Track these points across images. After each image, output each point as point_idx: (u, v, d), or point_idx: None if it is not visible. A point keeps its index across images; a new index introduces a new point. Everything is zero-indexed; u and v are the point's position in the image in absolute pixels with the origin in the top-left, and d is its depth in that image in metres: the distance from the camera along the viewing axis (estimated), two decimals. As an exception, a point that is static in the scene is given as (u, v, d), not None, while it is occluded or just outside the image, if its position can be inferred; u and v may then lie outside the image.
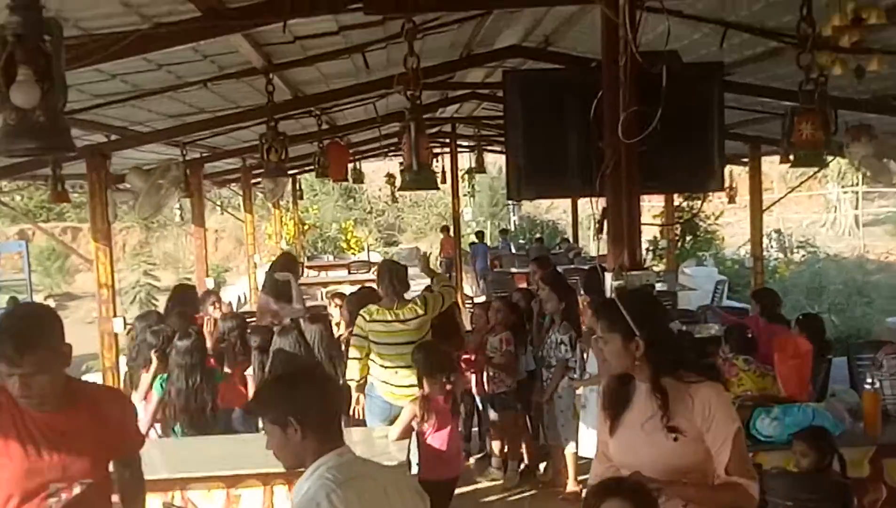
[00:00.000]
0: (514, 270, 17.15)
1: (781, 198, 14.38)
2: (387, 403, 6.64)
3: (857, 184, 29.28)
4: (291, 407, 2.77)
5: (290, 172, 16.12)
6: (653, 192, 4.72)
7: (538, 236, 25.80)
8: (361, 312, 6.79)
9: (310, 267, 20.12)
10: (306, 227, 26.41)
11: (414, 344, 6.46)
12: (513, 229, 30.52)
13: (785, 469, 5.17)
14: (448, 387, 6.00)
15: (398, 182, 19.40)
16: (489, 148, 18.91)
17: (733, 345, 6.87)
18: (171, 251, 35.42)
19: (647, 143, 4.07)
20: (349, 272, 19.18)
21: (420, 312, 6.73)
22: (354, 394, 6.77)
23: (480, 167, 15.83)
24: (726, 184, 14.64)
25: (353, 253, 26.25)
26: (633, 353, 3.22)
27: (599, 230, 4.32)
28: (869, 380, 5.91)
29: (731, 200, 14.37)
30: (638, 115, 4.08)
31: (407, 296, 6.94)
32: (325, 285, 16.55)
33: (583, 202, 22.91)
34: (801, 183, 15.83)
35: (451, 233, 18.18)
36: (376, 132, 13.53)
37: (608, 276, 4.23)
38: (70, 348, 3.24)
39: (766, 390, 6.56)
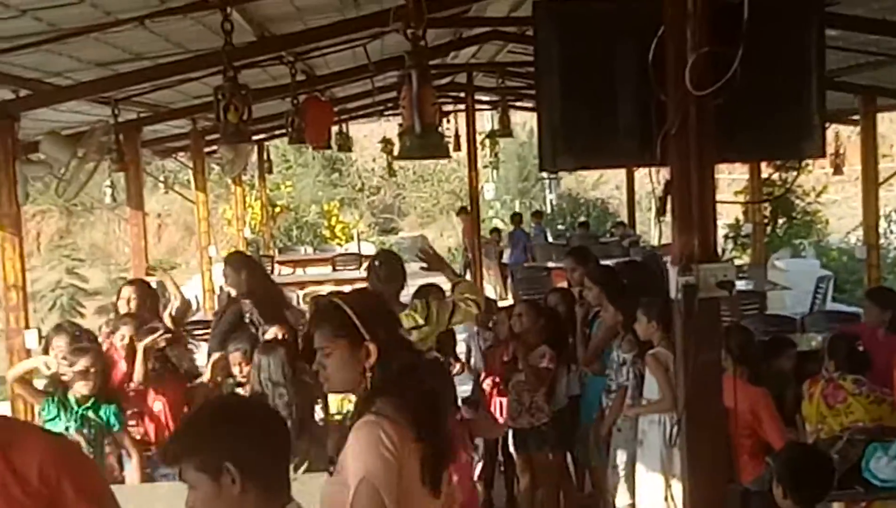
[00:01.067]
0: (550, 264, 17.17)
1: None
2: None
3: None
4: (228, 450, 2.70)
5: (256, 137, 16.20)
6: (732, 160, 4.71)
7: (582, 219, 25.84)
8: None
9: (282, 262, 20.20)
10: (277, 210, 26.51)
11: None
12: (549, 210, 30.53)
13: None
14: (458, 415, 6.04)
15: (397, 149, 19.29)
16: (517, 104, 18.94)
17: (839, 362, 6.88)
18: (100, 243, 35.60)
19: (724, 95, 4.05)
20: (334, 269, 19.28)
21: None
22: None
23: (506, 129, 15.78)
24: (829, 149, 14.70)
25: (338, 244, 26.30)
26: (362, 363, 3.40)
27: (661, 211, 4.33)
28: None
29: (838, 170, 14.36)
30: (712, 58, 4.07)
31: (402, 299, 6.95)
32: (301, 285, 16.59)
33: (641, 175, 22.96)
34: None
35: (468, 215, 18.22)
36: (368, 84, 13.55)
37: (673, 271, 4.24)
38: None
39: (881, 420, 6.58)
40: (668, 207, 4.36)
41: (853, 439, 6.09)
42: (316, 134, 10.77)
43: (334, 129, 15.09)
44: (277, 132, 17.54)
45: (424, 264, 6.94)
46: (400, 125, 13.71)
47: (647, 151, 4.28)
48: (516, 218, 22.45)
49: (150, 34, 6.75)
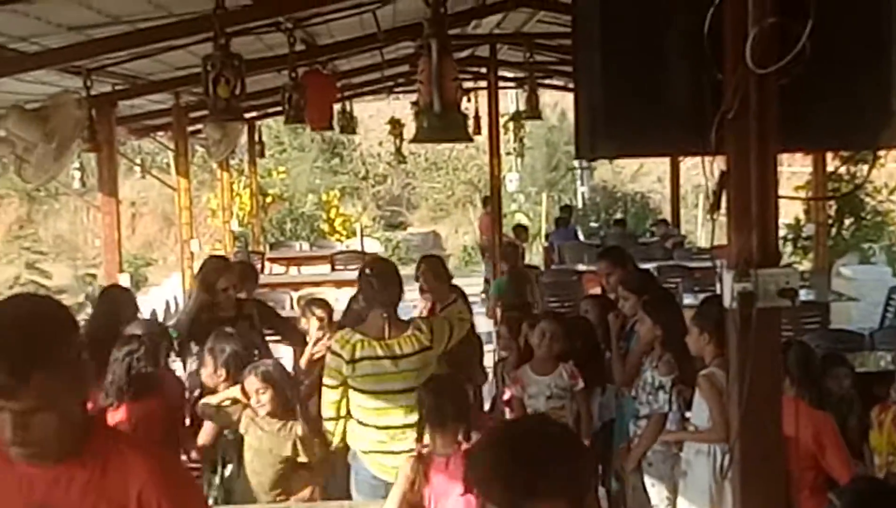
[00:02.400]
0: (581, 267, 17.17)
1: None
2: (378, 480, 6.63)
3: None
4: None
5: (248, 114, 16.21)
6: (798, 149, 4.68)
7: (618, 216, 25.84)
8: (334, 340, 6.79)
9: (274, 260, 20.23)
10: (269, 200, 26.53)
11: (414, 392, 6.37)
12: (580, 204, 30.54)
13: None
14: (461, 445, 6.01)
15: (409, 131, 19.23)
16: (546, 82, 18.93)
17: (914, 384, 6.87)
18: (65, 234, 35.70)
19: (790, 74, 4.03)
20: (333, 268, 19.28)
21: (425, 342, 6.68)
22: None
23: (534, 111, 15.80)
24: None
25: (338, 239, 26.32)
26: None
27: (715, 207, 4.30)
28: None
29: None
30: (776, 32, 4.05)
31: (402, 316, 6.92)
32: (296, 286, 16.62)
33: (688, 166, 22.96)
34: None
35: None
36: (375, 57, 13.57)
37: (728, 276, 4.22)
38: (90, 368, 3.29)
39: (961, 455, 6.57)
40: (722, 202, 4.33)
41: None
42: (317, 113, 10.82)
43: (336, 107, 15.08)
44: (271, 110, 17.58)
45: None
46: (413, 104, 13.87)
47: (699, 137, 4.24)
48: (566, 211, 22.42)
49: (130, -6, 6.78)
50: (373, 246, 23.78)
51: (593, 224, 27.17)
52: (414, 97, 18.35)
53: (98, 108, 10.12)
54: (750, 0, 4.08)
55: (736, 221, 4.26)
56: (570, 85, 19.70)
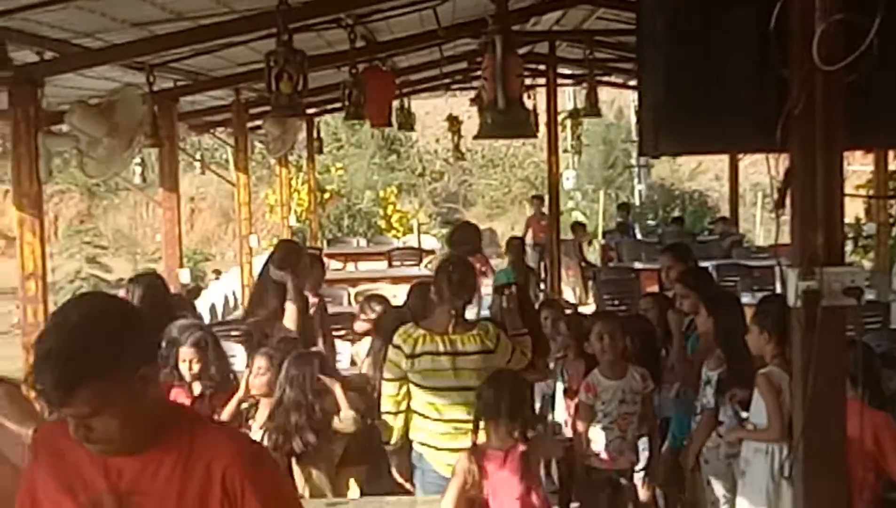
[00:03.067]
0: (638, 265, 17.11)
1: None
2: (444, 479, 6.47)
3: None
4: None
5: (309, 110, 16.25)
6: (864, 147, 4.64)
7: (676, 214, 25.71)
8: (397, 334, 6.72)
9: (331, 256, 20.28)
10: (327, 196, 26.63)
11: (475, 391, 6.31)
12: (637, 202, 30.43)
13: None
14: (518, 441, 5.97)
15: (467, 128, 19.20)
16: (605, 80, 18.85)
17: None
18: (124, 229, 36.01)
19: (857, 71, 3.99)
20: (390, 265, 19.32)
21: (489, 345, 6.58)
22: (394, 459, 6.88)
23: (593, 108, 15.72)
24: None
25: (395, 236, 26.35)
26: None
27: (780, 204, 4.27)
28: None
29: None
30: (844, 28, 4.01)
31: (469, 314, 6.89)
32: (353, 282, 16.65)
33: (745, 164, 22.80)
34: None
35: (546, 207, 18.13)
36: (433, 54, 13.58)
37: (792, 274, 4.18)
38: (155, 371, 3.31)
39: None
40: (787, 199, 4.30)
41: None
42: (377, 109, 10.85)
43: (395, 104, 15.10)
44: (330, 107, 17.63)
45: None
46: (473, 100, 13.84)
47: (764, 134, 4.20)
48: (623, 209, 22.32)
49: (193, -10, 6.83)
50: (430, 243, 23.77)
51: (651, 222, 27.05)
52: (472, 94, 18.41)
53: (160, 103, 10.20)
54: (818, -5, 4.05)
55: (801, 218, 4.23)
56: (629, 82, 19.73)
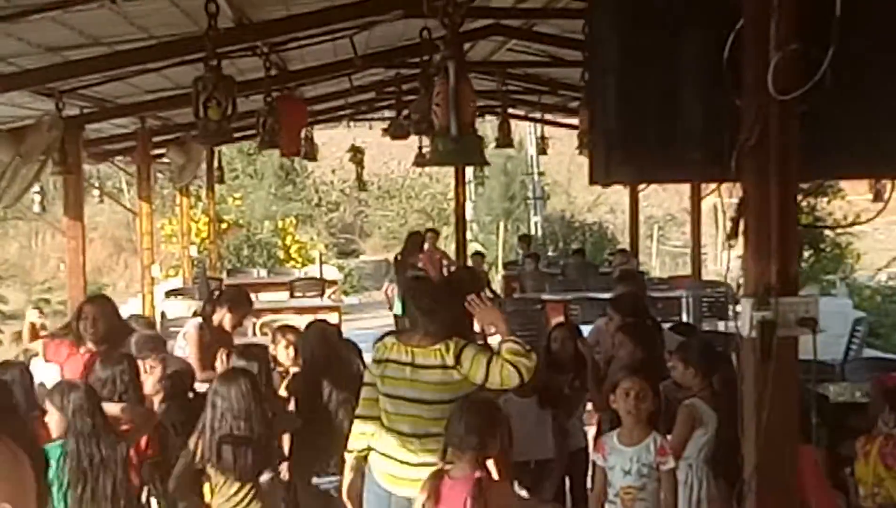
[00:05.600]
0: (545, 296, 17.08)
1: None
2: (384, 491, 6.51)
3: None
4: None
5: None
6: (818, 177, 4.64)
7: (577, 246, 25.82)
8: (379, 346, 6.72)
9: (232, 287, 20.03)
10: (225, 226, 26.35)
11: (429, 405, 6.31)
12: (538, 233, 30.57)
13: None
14: (479, 473, 5.88)
15: (370, 159, 19.09)
16: (511, 112, 18.88)
17: (902, 414, 6.82)
18: (15, 259, 35.26)
19: (811, 102, 4.00)
20: (292, 295, 19.13)
21: (448, 361, 6.41)
22: (348, 473, 6.72)
23: (505, 139, 15.65)
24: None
25: (294, 266, 26.18)
26: None
27: (733, 234, 4.25)
28: None
29: (878, 197, 14.38)
30: (799, 58, 4.02)
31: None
32: (256, 313, 16.42)
33: (648, 196, 23.00)
34: None
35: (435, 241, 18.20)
36: (341, 84, 13.50)
37: (747, 304, 4.17)
38: None
39: (953, 488, 6.53)
40: (740, 229, 4.29)
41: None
42: (289, 138, 10.70)
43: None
44: (238, 135, 17.43)
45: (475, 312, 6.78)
46: (385, 130, 13.73)
47: (718, 164, 4.21)
48: (525, 240, 22.36)
49: (113, 14, 6.66)
50: (332, 273, 23.63)
51: (550, 253, 27.14)
52: (374, 124, 18.33)
53: (67, 130, 9.96)
54: (772, 25, 4.05)
55: (754, 248, 4.22)
56: (533, 115, 19.79)
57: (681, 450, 6.76)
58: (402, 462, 6.43)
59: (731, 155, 4.16)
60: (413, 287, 6.83)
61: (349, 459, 6.71)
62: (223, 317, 9.44)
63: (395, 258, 18.36)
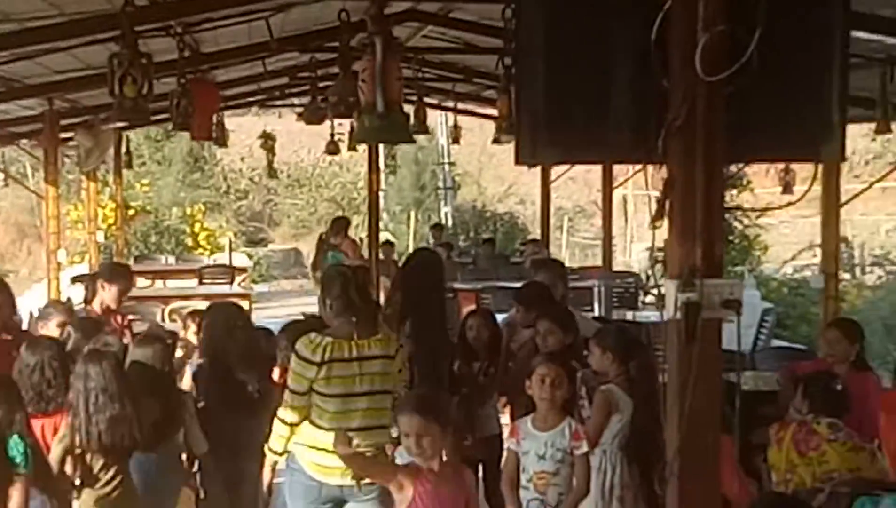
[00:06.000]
0: (456, 285, 17.05)
1: (866, 189, 14.54)
2: (314, 481, 6.51)
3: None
4: None
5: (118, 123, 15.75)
6: (743, 159, 4.65)
7: (487, 235, 25.85)
8: (301, 344, 6.57)
9: (139, 273, 19.78)
10: (133, 212, 26.05)
11: (375, 396, 6.43)
12: (449, 223, 30.56)
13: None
14: (448, 458, 5.83)
15: (282, 146, 18.81)
16: (426, 100, 18.83)
17: (816, 403, 6.89)
18: (-86, 243, 34.60)
19: (738, 83, 4.01)
20: (201, 282, 19.02)
21: (390, 351, 6.61)
22: (268, 472, 6.80)
23: (422, 125, 15.59)
24: (781, 165, 14.93)
25: (203, 253, 25.97)
26: None
27: (658, 216, 4.24)
28: None
29: (787, 189, 14.59)
30: (726, 39, 4.03)
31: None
32: (165, 300, 16.32)
33: (558, 188, 23.10)
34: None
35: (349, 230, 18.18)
36: (254, 68, 13.35)
37: (672, 286, 4.16)
38: None
39: (860, 470, 6.61)
40: (666, 211, 4.28)
41: (837, 492, 6.07)
42: (202, 122, 10.56)
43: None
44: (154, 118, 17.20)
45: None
46: (300, 115, 13.58)
47: (644, 145, 4.20)
48: (437, 229, 22.33)
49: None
50: (241, 261, 23.43)
51: (462, 243, 27.14)
52: (287, 111, 18.15)
53: (-32, 112, 9.78)
54: (700, 6, 4.04)
55: (680, 230, 4.22)
56: (446, 103, 19.74)
57: (598, 436, 6.78)
58: (334, 452, 6.37)
59: (657, 136, 4.15)
60: (346, 276, 6.72)
61: (270, 459, 6.70)
62: (104, 297, 9.29)
63: (320, 238, 18.31)
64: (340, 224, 18.01)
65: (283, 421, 6.57)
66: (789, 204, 8.66)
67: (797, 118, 4.36)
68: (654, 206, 4.26)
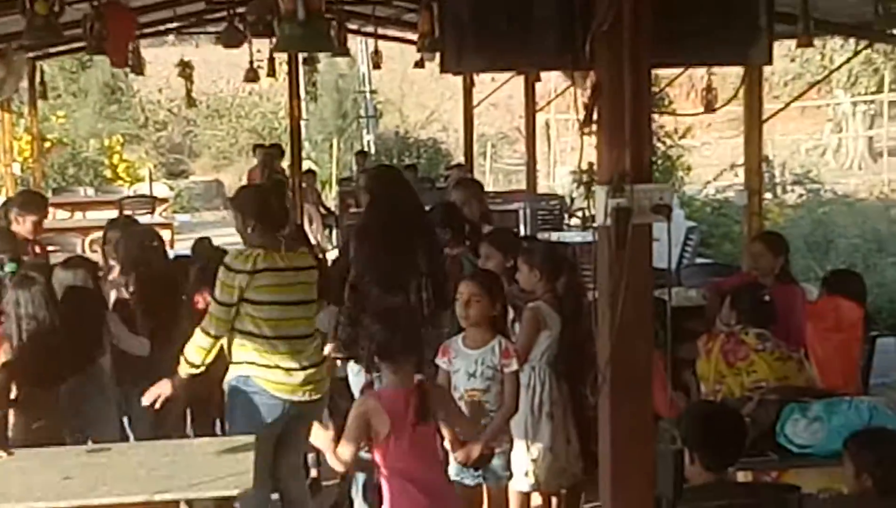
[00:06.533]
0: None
1: (786, 106, 14.65)
2: (278, 400, 6.56)
3: (878, 92, 30.24)
4: None
5: (31, 53, 15.46)
6: (670, 64, 4.63)
7: (409, 162, 25.75)
8: (230, 257, 6.60)
9: (58, 205, 19.55)
10: (49, 144, 25.64)
11: (310, 306, 6.70)
12: (372, 151, 30.38)
13: (839, 494, 5.26)
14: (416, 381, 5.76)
15: (199, 75, 18.43)
16: (351, 28, 18.58)
17: (744, 314, 6.96)
18: None
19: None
20: (120, 213, 18.77)
21: (313, 262, 6.89)
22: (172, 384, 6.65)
23: (342, 47, 15.35)
24: (703, 84, 14.99)
25: (123, 185, 25.66)
26: None
27: (586, 121, 4.20)
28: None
29: (709, 107, 14.61)
30: (653, -59, 3.99)
31: None
32: (85, 231, 16.16)
33: (480, 115, 23.03)
34: (815, 85, 16.14)
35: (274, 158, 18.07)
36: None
37: (601, 192, 4.14)
38: None
39: (787, 379, 6.70)
40: (594, 116, 4.24)
41: (765, 400, 6.15)
42: (118, 47, 10.30)
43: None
44: (53, 51, 16.86)
45: None
46: (218, 38, 13.28)
47: (571, 50, 4.17)
48: (361, 157, 22.23)
49: None
50: (162, 191, 23.20)
51: (387, 169, 26.99)
52: (203, 39, 17.80)
53: None
54: None
55: (609, 136, 4.19)
56: (366, 28, 19.52)
57: (527, 353, 6.81)
58: (291, 369, 6.58)
59: (584, 41, 4.10)
60: (263, 193, 6.96)
61: (184, 370, 6.62)
62: (19, 230, 9.20)
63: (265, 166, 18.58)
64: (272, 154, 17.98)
65: (206, 333, 6.55)
66: (722, 106, 8.72)
67: (725, 22, 4.34)
68: (579, 122, 4.21)
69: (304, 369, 6.61)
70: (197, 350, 6.56)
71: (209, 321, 6.57)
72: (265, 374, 6.54)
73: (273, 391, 6.54)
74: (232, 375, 6.66)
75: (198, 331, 6.59)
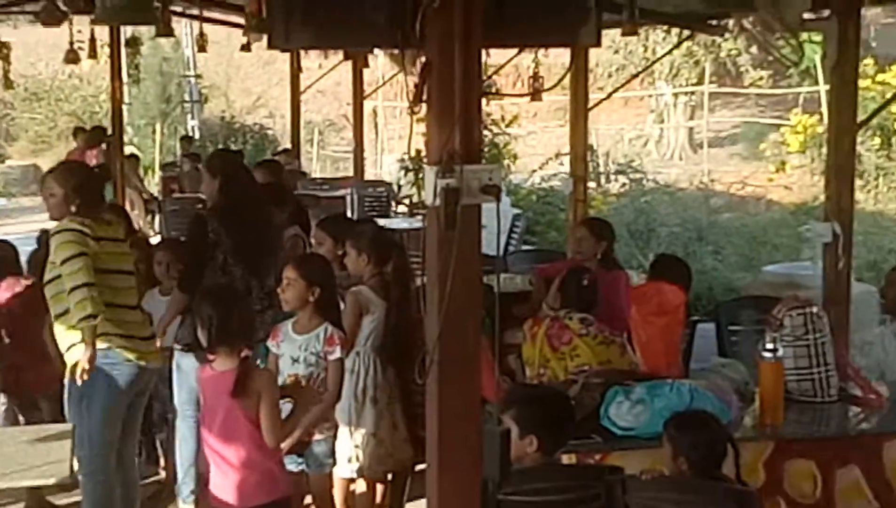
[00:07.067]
0: (203, 195, 16.78)
1: (610, 95, 14.86)
2: (138, 368, 6.57)
3: (699, 83, 30.91)
4: None
5: None
6: (500, 44, 4.64)
7: (235, 148, 25.43)
8: (65, 225, 6.37)
9: None
10: None
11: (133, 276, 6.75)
12: (197, 136, 29.95)
13: (661, 475, 5.34)
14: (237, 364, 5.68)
15: (17, 57, 17.87)
16: (175, 10, 18.27)
17: (567, 298, 7.04)
18: None
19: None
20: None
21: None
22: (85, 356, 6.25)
23: (166, 27, 14.94)
24: (529, 73, 15.08)
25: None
26: None
27: (416, 101, 4.17)
28: (769, 346, 6.18)
29: (536, 96, 14.68)
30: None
31: None
32: None
33: (307, 101, 22.92)
34: (638, 76, 16.42)
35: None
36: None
37: (431, 172, 4.12)
38: None
39: (610, 363, 6.81)
40: (424, 96, 4.21)
41: (589, 383, 6.21)
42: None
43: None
44: None
45: None
46: (37, 16, 12.93)
47: (401, 28, 4.13)
48: (186, 142, 21.96)
49: None
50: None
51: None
52: (25, 23, 17.28)
53: None
54: None
55: (438, 116, 4.17)
56: (191, 11, 19.20)
57: (352, 338, 6.78)
58: (142, 338, 6.70)
59: (414, 19, 4.07)
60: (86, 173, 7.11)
61: (88, 326, 6.21)
62: None
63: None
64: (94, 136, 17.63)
65: (86, 285, 6.19)
66: (549, 89, 8.69)
67: (554, 3, 4.36)
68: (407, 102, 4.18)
69: (148, 338, 6.76)
70: (91, 303, 6.17)
71: (77, 273, 6.21)
72: (123, 342, 6.50)
73: (135, 359, 6.54)
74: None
75: (77, 289, 6.20)
